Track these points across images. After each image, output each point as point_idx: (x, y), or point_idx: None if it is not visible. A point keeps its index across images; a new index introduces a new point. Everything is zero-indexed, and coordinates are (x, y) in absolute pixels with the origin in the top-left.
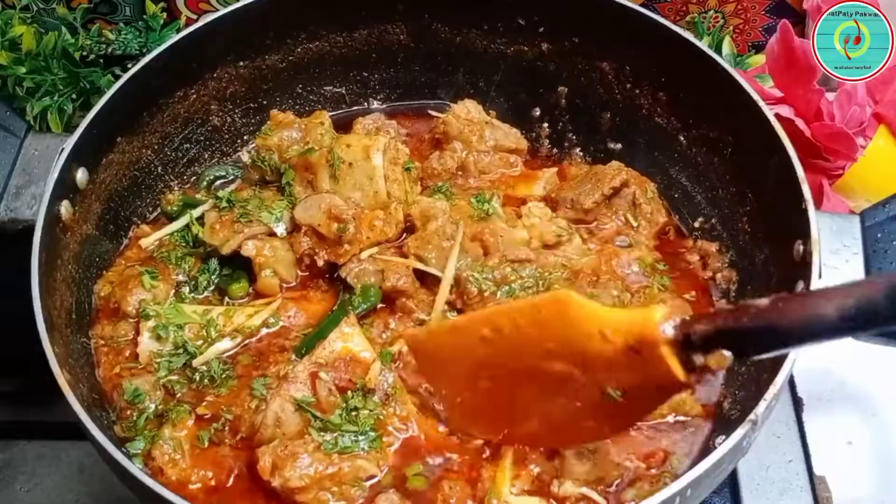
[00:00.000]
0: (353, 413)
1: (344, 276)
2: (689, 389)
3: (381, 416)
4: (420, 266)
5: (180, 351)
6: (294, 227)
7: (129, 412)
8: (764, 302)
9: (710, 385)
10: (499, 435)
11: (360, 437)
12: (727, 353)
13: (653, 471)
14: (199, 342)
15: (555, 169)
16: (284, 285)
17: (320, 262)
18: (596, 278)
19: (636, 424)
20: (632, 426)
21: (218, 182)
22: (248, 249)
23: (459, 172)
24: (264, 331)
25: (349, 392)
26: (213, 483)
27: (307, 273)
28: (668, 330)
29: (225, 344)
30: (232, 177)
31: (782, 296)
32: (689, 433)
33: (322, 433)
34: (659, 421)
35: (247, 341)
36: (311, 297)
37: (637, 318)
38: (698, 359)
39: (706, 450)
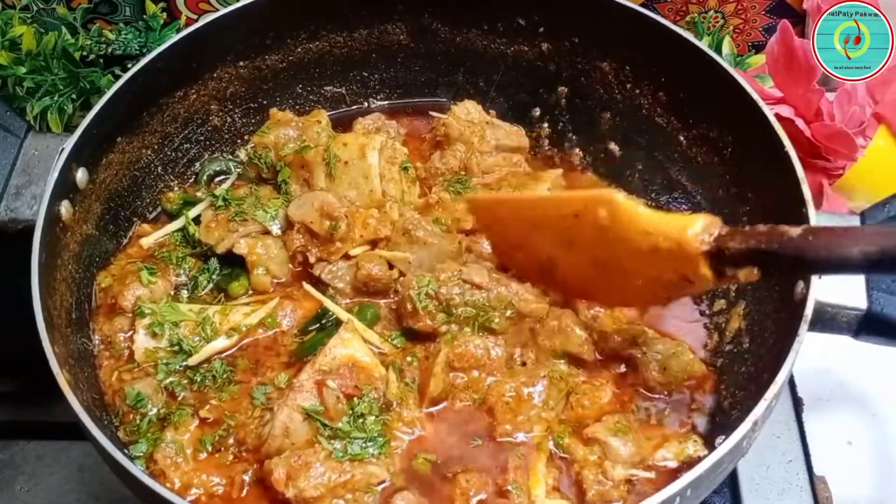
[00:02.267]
0: (360, 420)
1: (318, 274)
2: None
3: (388, 421)
4: (387, 254)
5: (176, 349)
6: (288, 225)
7: (131, 416)
8: (796, 231)
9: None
10: (533, 280)
11: (369, 444)
12: (756, 270)
13: (681, 430)
14: (196, 339)
15: (560, 171)
16: (275, 281)
17: (312, 259)
18: (540, 324)
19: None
20: (646, 307)
21: (218, 178)
22: (241, 247)
23: (463, 172)
24: (261, 331)
25: (355, 399)
26: (215, 488)
27: (300, 269)
28: (705, 242)
29: (221, 342)
30: (232, 172)
31: (813, 228)
32: (699, 393)
33: (331, 441)
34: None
35: (244, 342)
36: (297, 295)
37: (678, 226)
38: (729, 270)
39: (719, 406)
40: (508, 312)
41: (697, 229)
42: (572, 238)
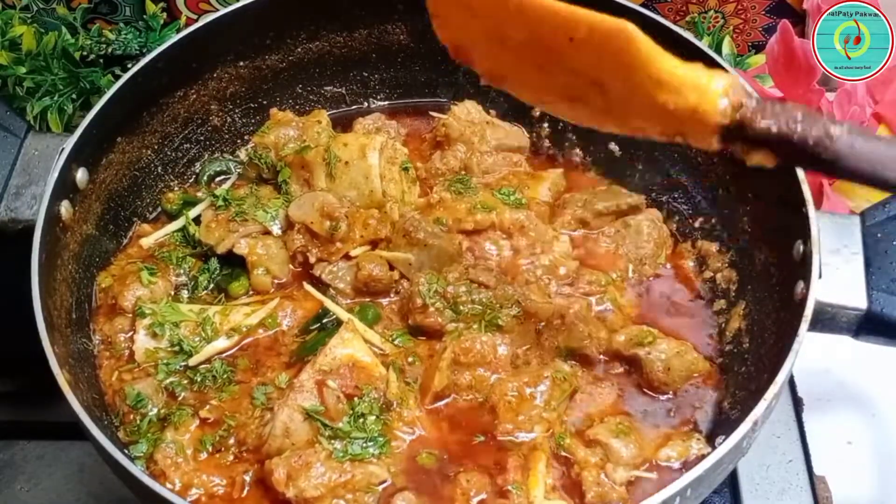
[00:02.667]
0: (361, 420)
1: (318, 275)
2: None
3: (388, 421)
4: (387, 254)
5: (177, 349)
6: (288, 225)
7: (132, 416)
8: (838, 130)
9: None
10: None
11: (370, 444)
12: (773, 158)
13: (684, 428)
14: (196, 339)
15: (560, 170)
16: (275, 281)
17: (312, 259)
18: (546, 325)
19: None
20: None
21: (218, 178)
22: (241, 248)
23: (464, 172)
24: (262, 332)
25: (356, 399)
26: (215, 488)
27: (301, 269)
28: (726, 113)
29: (221, 342)
30: (232, 172)
31: (859, 132)
32: (703, 391)
33: (332, 441)
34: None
35: (244, 342)
36: (297, 295)
37: (698, 87)
38: (742, 147)
39: (720, 405)
40: (515, 311)
41: (719, 97)
42: (557, 58)
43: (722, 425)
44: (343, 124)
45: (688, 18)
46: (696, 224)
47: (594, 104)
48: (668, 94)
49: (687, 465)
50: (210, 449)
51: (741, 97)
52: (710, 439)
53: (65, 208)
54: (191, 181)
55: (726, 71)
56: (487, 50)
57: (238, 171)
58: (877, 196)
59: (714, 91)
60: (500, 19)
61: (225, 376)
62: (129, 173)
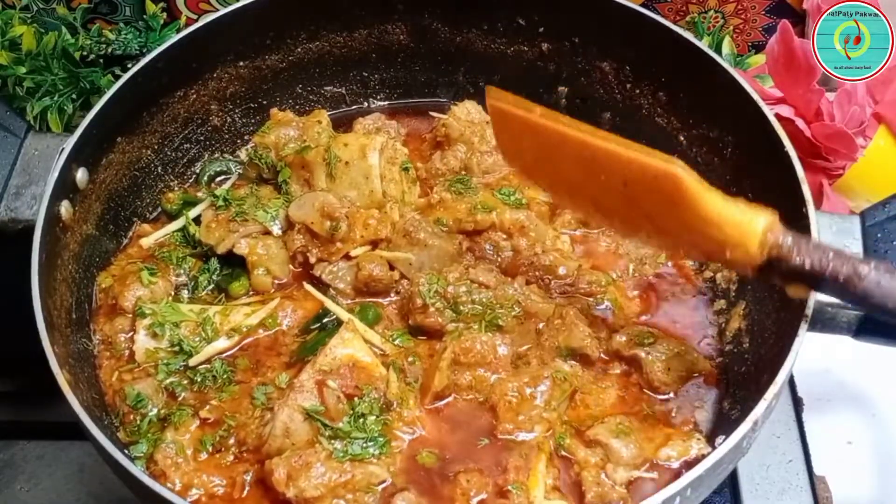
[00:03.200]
0: (361, 420)
1: (319, 275)
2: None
3: (388, 421)
4: (387, 254)
5: (177, 349)
6: (288, 225)
7: (132, 417)
8: (865, 268)
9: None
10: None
11: (370, 444)
12: (808, 290)
13: (684, 428)
14: (196, 339)
15: None
16: (276, 281)
17: (313, 260)
18: (546, 324)
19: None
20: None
21: (218, 178)
22: (241, 248)
23: (464, 172)
24: (262, 332)
25: (356, 399)
26: (216, 488)
27: (301, 269)
28: (763, 252)
29: (221, 343)
30: (232, 172)
31: (886, 269)
32: (703, 391)
33: (332, 441)
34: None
35: (244, 342)
36: (297, 295)
37: (739, 223)
38: (778, 279)
39: (721, 405)
40: (516, 311)
41: (759, 236)
42: (611, 194)
43: (722, 425)
44: (343, 124)
45: (688, 18)
46: None
47: (642, 228)
48: (712, 230)
49: (687, 465)
50: (210, 449)
51: (778, 236)
52: (710, 439)
53: (65, 208)
54: (191, 181)
55: (766, 210)
56: (545, 178)
57: (238, 171)
58: (877, 196)
59: (754, 230)
60: (558, 157)
61: (225, 376)
62: (129, 173)
